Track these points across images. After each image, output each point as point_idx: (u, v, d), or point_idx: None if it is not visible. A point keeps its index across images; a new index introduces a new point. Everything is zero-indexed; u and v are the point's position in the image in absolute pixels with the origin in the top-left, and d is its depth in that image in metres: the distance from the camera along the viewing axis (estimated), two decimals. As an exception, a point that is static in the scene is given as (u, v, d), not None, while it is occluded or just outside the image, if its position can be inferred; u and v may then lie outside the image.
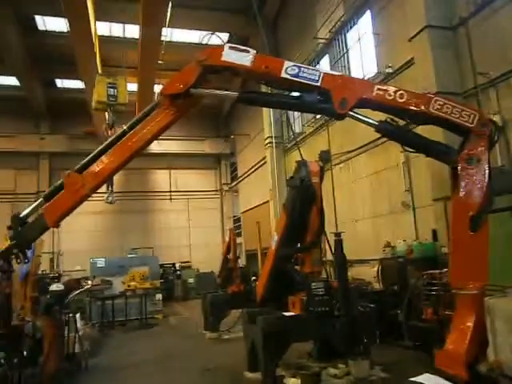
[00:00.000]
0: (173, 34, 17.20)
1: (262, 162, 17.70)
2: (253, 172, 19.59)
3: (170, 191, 23.41)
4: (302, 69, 4.13)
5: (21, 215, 4.94)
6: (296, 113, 15.02)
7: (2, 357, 6.07)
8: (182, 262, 21.90)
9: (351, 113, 4.08)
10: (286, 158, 15.60)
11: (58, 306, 7.00)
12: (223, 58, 4.14)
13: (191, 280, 20.47)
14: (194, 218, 23.62)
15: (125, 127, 4.48)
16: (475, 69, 7.73)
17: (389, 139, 4.57)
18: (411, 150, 4.55)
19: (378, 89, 4.07)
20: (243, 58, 4.10)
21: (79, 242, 21.06)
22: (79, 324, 8.58)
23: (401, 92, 4.06)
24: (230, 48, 4.13)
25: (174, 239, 22.79)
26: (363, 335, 6.03)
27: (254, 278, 10.98)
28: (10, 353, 6.10)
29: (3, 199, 20.65)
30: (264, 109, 16.01)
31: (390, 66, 9.92)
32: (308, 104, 4.29)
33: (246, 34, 16.88)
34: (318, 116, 13.17)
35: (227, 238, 11.00)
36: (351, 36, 11.76)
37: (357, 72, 11.36)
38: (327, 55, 12.94)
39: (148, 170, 22.99)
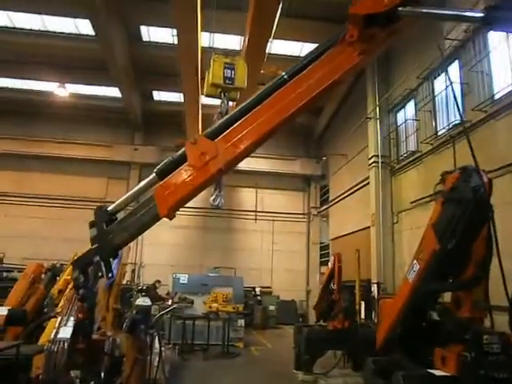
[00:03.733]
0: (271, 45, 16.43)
1: (361, 184, 15.97)
2: (348, 195, 17.81)
3: (256, 211, 22.36)
4: None
5: (108, 208, 3.76)
6: (410, 128, 13.15)
7: (78, 376, 5.21)
8: (262, 287, 20.53)
9: None
10: (393, 181, 13.74)
11: (143, 325, 5.97)
12: None
13: (272, 307, 19.06)
14: (277, 241, 22.22)
15: (283, 73, 3.20)
16: None
17: None
18: None
19: None
20: None
21: (160, 255, 20.77)
22: (158, 345, 7.54)
23: None
24: None
25: (255, 261, 21.52)
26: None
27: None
28: (87, 373, 5.21)
29: (94, 206, 20.96)
30: (370, 124, 14.40)
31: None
32: None
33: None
34: (441, 131, 11.28)
35: (330, 265, 9.41)
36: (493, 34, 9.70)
37: (504, 80, 9.27)
38: (457, 60, 10.94)
39: (233, 188, 22.17)
